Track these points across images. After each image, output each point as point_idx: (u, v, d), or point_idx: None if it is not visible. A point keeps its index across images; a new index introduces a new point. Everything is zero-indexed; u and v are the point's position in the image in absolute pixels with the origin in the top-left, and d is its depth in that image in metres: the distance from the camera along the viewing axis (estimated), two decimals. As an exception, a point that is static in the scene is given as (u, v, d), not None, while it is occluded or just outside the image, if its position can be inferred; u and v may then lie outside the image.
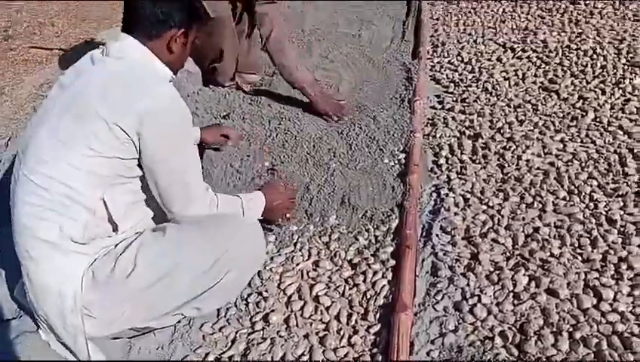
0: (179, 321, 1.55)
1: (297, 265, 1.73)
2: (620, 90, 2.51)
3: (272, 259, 1.76)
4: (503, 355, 1.41)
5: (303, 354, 1.45)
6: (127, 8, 1.52)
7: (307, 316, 1.56)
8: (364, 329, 1.51)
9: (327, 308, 1.57)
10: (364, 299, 1.61)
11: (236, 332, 1.52)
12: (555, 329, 1.46)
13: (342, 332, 1.50)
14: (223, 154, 2.20)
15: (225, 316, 1.58)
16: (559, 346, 1.42)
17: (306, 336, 1.50)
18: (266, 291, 1.63)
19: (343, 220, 1.92)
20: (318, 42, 3.31)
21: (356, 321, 1.54)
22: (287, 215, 1.91)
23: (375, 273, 1.70)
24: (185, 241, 1.47)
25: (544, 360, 1.39)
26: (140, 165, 1.45)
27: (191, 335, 1.52)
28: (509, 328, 1.49)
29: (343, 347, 1.46)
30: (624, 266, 1.64)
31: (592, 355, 1.39)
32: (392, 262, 1.72)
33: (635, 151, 2.11)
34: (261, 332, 1.51)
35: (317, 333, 1.51)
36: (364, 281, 1.67)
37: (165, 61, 1.52)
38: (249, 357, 1.44)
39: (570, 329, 1.46)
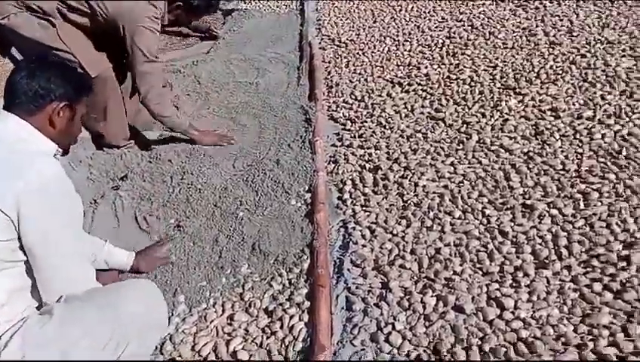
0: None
1: (211, 322, 1.68)
2: (498, 112, 2.74)
3: (184, 319, 1.70)
4: (421, 379, 1.45)
5: (224, 417, 1.39)
6: (8, 84, 1.46)
7: (225, 374, 1.51)
8: (286, 378, 1.49)
9: (246, 363, 1.54)
10: (283, 346, 1.59)
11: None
12: (465, 345, 1.53)
13: (263, 385, 1.47)
14: (125, 214, 2.12)
15: (137, 391, 1.49)
16: (471, 360, 1.48)
17: (226, 396, 1.45)
18: (180, 356, 1.56)
19: (255, 268, 1.91)
20: (215, 93, 3.33)
21: (277, 370, 1.52)
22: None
23: (292, 317, 1.69)
24: (75, 320, 1.37)
25: (459, 376, 1.44)
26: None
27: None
28: (424, 350, 1.53)
29: (265, 401, 1.43)
30: (520, 274, 1.76)
31: (502, 364, 1.47)
32: (308, 304, 1.73)
33: (517, 166, 2.30)
34: (177, 401, 1.44)
35: (237, 391, 1.46)
36: (282, 328, 1.65)
37: (50, 135, 1.47)
38: None
39: (479, 343, 1.53)
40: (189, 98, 3.26)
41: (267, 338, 1.61)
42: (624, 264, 1.73)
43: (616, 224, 1.89)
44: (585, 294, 1.65)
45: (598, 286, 1.67)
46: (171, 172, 2.42)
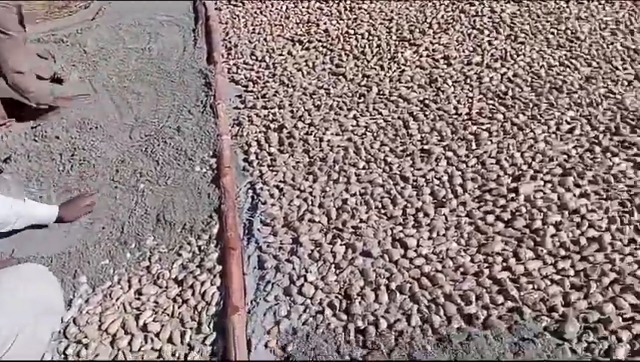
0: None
1: (118, 299, 1.62)
2: (395, 64, 2.80)
3: (87, 300, 1.62)
4: (334, 323, 1.49)
5: (138, 389, 1.36)
6: None
7: (137, 349, 1.46)
8: (200, 343, 1.47)
9: (158, 334, 1.50)
10: (196, 312, 1.57)
11: (59, 391, 1.37)
12: (374, 286, 1.59)
13: (177, 354, 1.44)
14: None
15: (42, 378, 1.41)
16: (380, 300, 1.55)
17: (140, 369, 1.41)
18: (86, 337, 1.49)
19: (161, 239, 1.84)
20: (104, 61, 3.11)
21: (191, 337, 1.49)
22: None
23: (203, 283, 1.66)
24: None
25: (370, 316, 1.50)
26: None
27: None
28: (336, 297, 1.58)
29: (181, 367, 1.41)
30: (421, 215, 1.84)
31: (408, 299, 1.55)
32: (219, 268, 1.71)
33: (415, 113, 2.39)
34: (87, 381, 1.38)
35: (151, 363, 1.43)
36: (193, 295, 1.63)
37: None
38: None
39: (387, 282, 1.60)
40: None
41: (179, 307, 1.58)
42: (513, 195, 1.86)
43: (505, 160, 2.03)
44: (479, 226, 1.77)
45: (490, 218, 1.79)
46: (60, 149, 2.25)
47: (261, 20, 3.54)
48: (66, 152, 2.22)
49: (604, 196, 1.80)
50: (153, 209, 1.96)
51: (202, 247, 1.80)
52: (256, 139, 2.36)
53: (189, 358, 1.43)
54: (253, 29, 3.41)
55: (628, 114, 2.16)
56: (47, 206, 1.92)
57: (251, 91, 2.76)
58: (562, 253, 1.62)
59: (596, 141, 2.04)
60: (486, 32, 2.92)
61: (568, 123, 2.16)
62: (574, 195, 1.81)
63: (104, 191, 2.06)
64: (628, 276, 1.52)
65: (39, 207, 1.89)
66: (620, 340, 1.36)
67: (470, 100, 2.40)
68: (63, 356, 1.45)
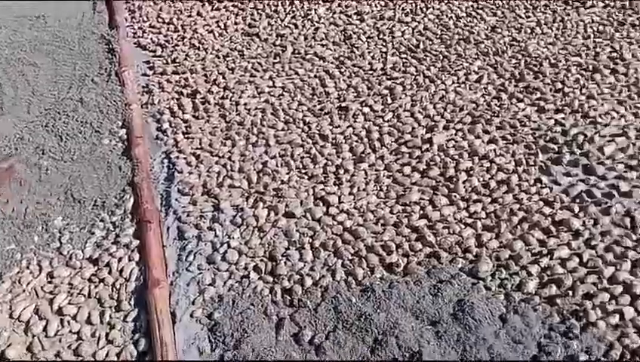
0: None
1: (28, 284, 1.51)
2: (309, 22, 2.76)
3: (-7, 289, 1.50)
4: (260, 286, 1.48)
5: (57, 375, 1.29)
6: None
7: (53, 334, 1.38)
8: (122, 321, 1.42)
9: (75, 316, 1.42)
10: (114, 290, 1.50)
11: (-32, 388, 1.27)
12: (298, 246, 1.60)
13: (97, 334, 1.38)
14: None
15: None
16: (305, 258, 1.56)
17: (58, 355, 1.34)
18: (-6, 327, 1.39)
19: (71, 218, 1.73)
20: (-8, 32, 2.82)
21: (110, 316, 1.43)
22: None
23: (120, 260, 1.59)
24: None
25: (295, 276, 1.50)
26: None
27: None
28: (261, 260, 1.57)
29: (102, 348, 1.35)
30: (341, 171, 1.86)
31: (332, 254, 1.57)
32: (137, 243, 1.64)
33: (331, 71, 2.37)
34: (-1, 374, 1.30)
35: (69, 346, 1.36)
36: (110, 273, 1.55)
37: None
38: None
39: (311, 241, 1.61)
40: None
41: (95, 286, 1.50)
42: (427, 146, 1.92)
43: (419, 112, 2.08)
44: (397, 178, 1.81)
45: (407, 170, 1.84)
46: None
47: (166, -20, 3.33)
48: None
49: (511, 140, 1.89)
50: (60, 187, 1.83)
51: (117, 223, 1.72)
52: (168, 106, 2.26)
53: (109, 337, 1.37)
54: (158, -10, 3.20)
55: (531, 60, 2.27)
56: None
57: (160, 56, 2.62)
58: (474, 197, 1.70)
59: (502, 88, 2.13)
60: (397, -15, 2.93)
61: (476, 72, 2.23)
62: (483, 142, 1.89)
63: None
64: (535, 214, 1.62)
65: None
66: (529, 274, 1.46)
67: (384, 55, 2.42)
68: (-30, 350, 1.34)
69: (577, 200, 1.62)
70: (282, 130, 2.08)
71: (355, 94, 2.22)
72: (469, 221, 1.62)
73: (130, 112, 2.18)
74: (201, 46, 2.65)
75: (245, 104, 2.22)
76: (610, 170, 1.72)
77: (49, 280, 1.53)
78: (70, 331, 1.39)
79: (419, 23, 2.62)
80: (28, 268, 1.56)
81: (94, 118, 2.16)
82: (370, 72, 2.33)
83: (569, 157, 1.77)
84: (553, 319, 1.32)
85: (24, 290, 1.50)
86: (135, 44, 2.72)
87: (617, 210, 1.58)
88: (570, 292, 1.38)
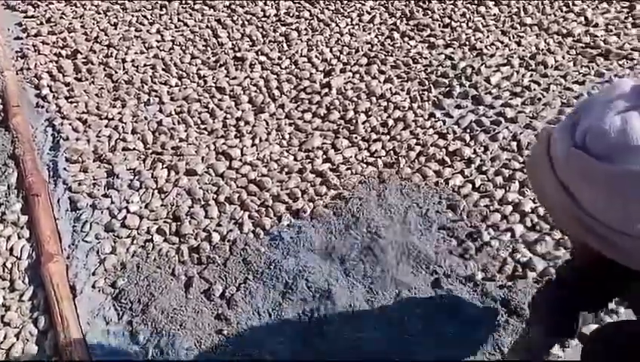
0: None
1: None
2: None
3: None
4: (165, 248, 1.44)
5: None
6: None
7: (-64, 326, 1.26)
8: (17, 301, 1.32)
9: (-39, 305, 1.31)
10: (6, 270, 1.39)
11: None
12: (202, 203, 1.55)
13: (-10, 319, 1.28)
14: None
15: None
16: (210, 215, 1.52)
17: (-55, 347, 1.23)
18: None
19: (-55, 201, 1.57)
20: None
21: (4, 297, 1.33)
22: None
23: (9, 238, 1.47)
24: None
25: (202, 233, 1.47)
26: None
27: None
28: (164, 222, 1.51)
29: (-3, 331, 1.26)
30: (242, 124, 1.81)
31: (239, 207, 1.54)
32: (25, 218, 1.52)
33: (223, 20, 2.27)
34: None
35: (-42, 336, 1.25)
36: (0, 253, 1.43)
37: None
38: None
39: (215, 196, 1.57)
40: None
41: (-18, 269, 1.39)
42: (326, 90, 1.91)
43: (316, 57, 2.05)
44: (299, 125, 1.79)
45: (308, 116, 1.82)
46: None
47: None
48: None
49: (406, 78, 1.93)
50: None
51: (1, 200, 1.57)
52: (47, 70, 2.07)
53: (5, 319, 1.28)
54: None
55: (419, -2, 2.30)
56: None
57: (33, 16, 2.38)
58: (374, 136, 1.73)
59: (395, 27, 2.15)
60: None
61: (369, 13, 2.23)
62: (380, 82, 1.91)
63: None
64: (430, 147, 1.68)
65: None
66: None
67: (277, 0, 2.35)
68: None
69: (468, 130, 1.70)
70: (176, 85, 1.98)
71: (250, 43, 2.15)
72: (371, 160, 1.65)
73: (3, 80, 1.97)
74: (77, 2, 2.43)
75: (133, 61, 2.08)
76: (496, 98, 1.81)
77: None
78: (-42, 320, 1.28)
79: (310, -35, 2.55)
80: None
81: (-41, 88, 1.93)
82: (264, 19, 2.26)
83: (459, 89, 1.84)
84: (451, 243, 1.40)
85: None
86: (4, 5, 2.44)
87: (504, 136, 1.68)
88: (465, 217, 1.46)
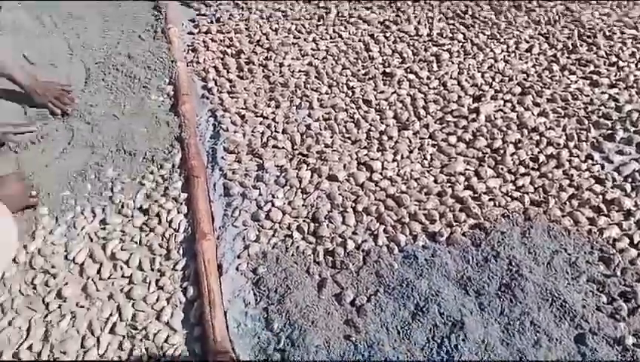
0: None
1: (82, 228, 1.58)
2: (354, -17, 2.70)
3: (51, 231, 1.57)
4: (303, 246, 1.52)
5: (111, 315, 1.36)
6: None
7: (106, 277, 1.45)
8: (171, 269, 1.47)
9: (127, 262, 1.49)
10: (164, 239, 1.56)
11: (30, 320, 1.35)
12: (341, 209, 1.62)
13: (148, 280, 1.44)
14: None
15: (12, 307, 1.38)
16: (347, 222, 1.58)
17: (111, 296, 1.41)
18: (53, 267, 1.46)
19: (122, 169, 1.79)
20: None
21: (160, 264, 1.49)
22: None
23: (169, 211, 1.64)
24: None
25: (338, 238, 1.53)
26: None
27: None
28: (304, 221, 1.60)
29: (153, 293, 1.41)
30: (385, 138, 1.85)
31: (375, 220, 1.58)
32: (184, 196, 1.68)
33: (375, 35, 2.34)
34: (58, 310, 1.37)
35: (122, 290, 1.42)
36: (160, 223, 1.61)
37: None
38: (51, 340, 1.30)
39: (353, 205, 1.63)
40: None
41: (146, 235, 1.56)
42: (474, 116, 1.89)
43: (466, 80, 2.04)
44: (442, 147, 1.80)
45: (453, 139, 1.82)
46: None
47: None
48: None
49: (562, 114, 1.85)
50: (111, 138, 1.88)
51: (165, 176, 1.76)
52: (213, 65, 2.27)
53: (159, 283, 1.43)
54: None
55: (585, 31, 2.19)
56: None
57: (204, 15, 2.63)
58: (522, 170, 1.68)
59: (554, 59, 2.07)
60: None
61: (527, 42, 2.17)
62: (533, 114, 1.85)
63: (55, 125, 1.96)
64: (585, 191, 1.59)
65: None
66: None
67: (431, 21, 2.37)
68: (31, 286, 1.42)
69: (630, 180, 1.59)
70: (326, 93, 2.08)
71: (400, 60, 2.19)
72: (516, 195, 1.61)
73: (176, 69, 2.20)
74: (245, 6, 2.64)
75: (289, 66, 2.22)
76: (663, 149, 1.68)
77: (102, 226, 1.59)
78: (122, 275, 1.45)
79: (469, -12, 2.54)
80: (82, 213, 1.63)
81: (142, 73, 2.19)
82: (416, 38, 2.29)
83: (622, 134, 1.72)
84: (601, 299, 1.32)
85: (78, 234, 1.57)
86: (180, 2, 2.72)
87: (669, 191, 1.55)
88: (619, 273, 1.37)
